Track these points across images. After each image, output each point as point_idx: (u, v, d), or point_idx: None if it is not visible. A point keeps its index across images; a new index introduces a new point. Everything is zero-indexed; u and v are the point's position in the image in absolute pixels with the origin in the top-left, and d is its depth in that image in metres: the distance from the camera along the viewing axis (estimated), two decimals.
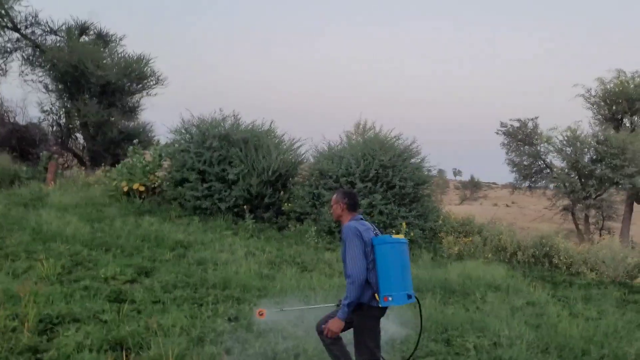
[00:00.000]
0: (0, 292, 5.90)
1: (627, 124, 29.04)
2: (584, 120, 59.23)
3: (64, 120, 22.65)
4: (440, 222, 13.97)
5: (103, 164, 19.05)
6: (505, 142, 29.91)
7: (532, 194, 31.71)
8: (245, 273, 8.92)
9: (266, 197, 14.63)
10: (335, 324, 4.08)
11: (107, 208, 14.37)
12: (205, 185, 14.71)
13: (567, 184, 23.98)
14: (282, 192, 14.88)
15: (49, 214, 12.13)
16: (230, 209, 14.64)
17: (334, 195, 4.55)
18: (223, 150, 14.97)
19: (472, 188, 79.48)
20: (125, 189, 15.63)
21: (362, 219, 4.42)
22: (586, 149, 24.19)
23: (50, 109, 22.35)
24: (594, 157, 24.16)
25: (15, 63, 21.97)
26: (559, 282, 11.68)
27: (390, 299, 3.97)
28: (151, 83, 21.29)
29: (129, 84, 20.67)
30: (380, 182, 13.71)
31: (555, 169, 25.43)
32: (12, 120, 19.92)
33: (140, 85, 21.10)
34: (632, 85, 28.31)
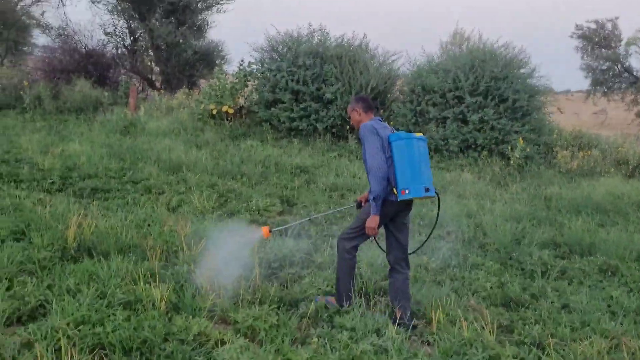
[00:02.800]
0: (192, 233, 5.56)
1: None
2: None
3: (129, 42, 21.99)
4: (555, 136, 13.21)
5: (184, 86, 18.55)
6: (580, 45, 28.28)
7: (595, 99, 29.54)
8: None
9: None
10: (371, 221, 4.13)
11: (201, 133, 14.03)
12: (300, 105, 14.14)
13: None
14: (382, 110, 14.21)
15: (158, 142, 11.86)
16: (328, 130, 14.13)
17: (349, 106, 4.60)
18: (317, 68, 14.26)
19: None
20: (214, 111, 15.20)
21: (380, 120, 4.46)
22: None
23: (114, 30, 21.66)
24: None
25: None
26: None
27: (407, 191, 4.05)
28: None
29: (198, 0, 19.71)
30: (491, 95, 12.90)
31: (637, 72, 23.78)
32: (84, 45, 19.36)
33: (210, 1, 20.11)
34: None
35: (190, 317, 3.58)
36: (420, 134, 4.33)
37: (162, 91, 18.10)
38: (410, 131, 13.66)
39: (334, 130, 14.15)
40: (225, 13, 20.42)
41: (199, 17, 20.35)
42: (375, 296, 4.66)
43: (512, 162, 12.26)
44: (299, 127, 14.10)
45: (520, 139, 12.36)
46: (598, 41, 27.79)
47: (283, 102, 14.36)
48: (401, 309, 4.17)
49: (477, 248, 6.60)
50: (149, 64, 21.90)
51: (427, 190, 4.15)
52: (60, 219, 5.50)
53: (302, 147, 13.26)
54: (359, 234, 4.32)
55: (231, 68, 20.35)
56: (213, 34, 24.49)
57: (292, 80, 14.22)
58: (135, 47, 21.72)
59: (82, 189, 7.77)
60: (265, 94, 14.64)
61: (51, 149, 10.39)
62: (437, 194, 4.40)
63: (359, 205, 4.73)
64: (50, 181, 8.03)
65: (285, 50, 14.96)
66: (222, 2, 20.25)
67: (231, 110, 15.20)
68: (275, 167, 10.70)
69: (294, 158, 11.50)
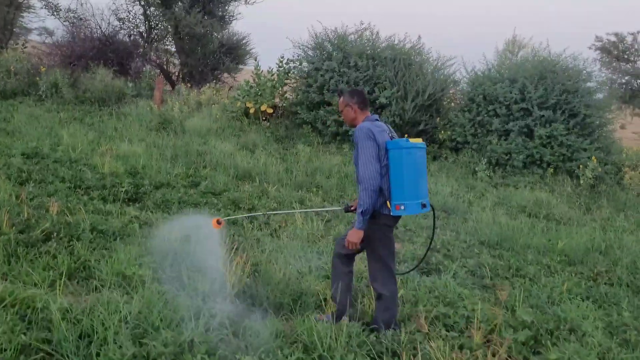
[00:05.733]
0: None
1: None
2: None
3: (143, 29, 20.71)
4: (624, 155, 12.51)
5: (214, 81, 17.44)
6: (599, 58, 27.86)
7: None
8: (506, 226, 7.64)
9: (421, 123, 13.14)
10: (353, 235, 3.70)
11: (242, 133, 13.01)
12: None
13: None
14: (438, 119, 13.35)
15: (208, 144, 10.85)
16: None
17: (341, 99, 4.05)
18: (369, 70, 13.32)
19: None
20: (252, 110, 14.17)
21: (377, 119, 3.97)
22: None
23: (127, 16, 20.36)
24: None
25: None
26: None
27: (402, 207, 3.66)
28: None
29: None
30: (561, 109, 12.14)
31: None
32: (102, 30, 18.02)
33: None
34: None
35: None
36: (420, 141, 3.84)
37: (188, 85, 16.92)
38: (467, 142, 12.90)
39: None
40: (253, 5, 19.27)
41: (226, 8, 19.19)
42: None
43: (582, 182, 11.53)
44: (349, 132, 13.15)
45: (594, 158, 11.63)
46: (617, 54, 27.44)
47: (330, 105, 13.41)
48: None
49: None
50: (166, 54, 20.66)
51: (423, 206, 3.74)
52: None
53: (353, 153, 12.34)
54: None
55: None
56: (237, 27, 23.26)
57: (342, 82, 13.28)
58: (152, 36, 20.49)
59: (165, 202, 6.72)
60: (312, 94, 13.66)
61: (100, 148, 9.29)
62: (433, 208, 3.99)
63: (347, 209, 4.27)
64: (122, 189, 6.97)
65: (332, 49, 14.00)
66: None
67: (270, 110, 14.21)
68: (347, 178, 9.78)
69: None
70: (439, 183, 10.15)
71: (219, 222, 4.11)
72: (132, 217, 5.63)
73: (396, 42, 14.09)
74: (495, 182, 11.58)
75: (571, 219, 9.12)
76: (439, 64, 13.90)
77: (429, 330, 3.85)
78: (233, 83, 19.17)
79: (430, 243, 4.52)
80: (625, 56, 27.23)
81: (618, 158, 12.40)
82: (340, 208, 4.75)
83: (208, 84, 16.76)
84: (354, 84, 13.25)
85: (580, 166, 11.73)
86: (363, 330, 3.58)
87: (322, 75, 13.51)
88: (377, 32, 14.26)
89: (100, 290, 3.62)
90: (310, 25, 18.58)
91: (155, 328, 3.11)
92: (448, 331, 3.87)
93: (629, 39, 27.19)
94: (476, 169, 11.91)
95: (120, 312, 3.07)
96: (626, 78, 26.96)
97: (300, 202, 7.74)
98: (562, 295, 5.33)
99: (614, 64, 27.60)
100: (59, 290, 3.41)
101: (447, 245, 6.61)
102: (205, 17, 18.09)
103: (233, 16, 19.47)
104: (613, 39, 27.50)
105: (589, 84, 12.78)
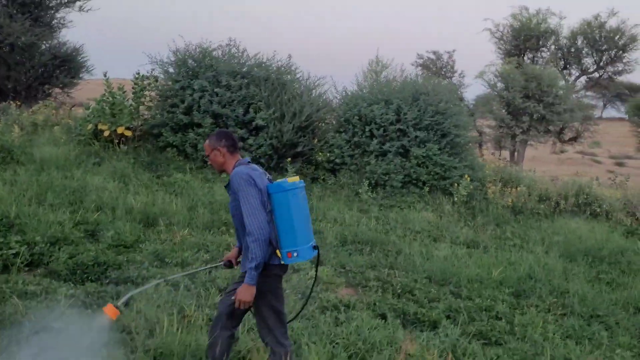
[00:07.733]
0: None
1: (527, 60, 30.61)
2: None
3: None
4: (487, 171, 13.35)
5: (45, 97, 15.12)
6: (420, 73, 30.00)
7: None
8: (441, 258, 7.51)
9: (299, 145, 12.69)
10: (246, 293, 3.37)
11: (104, 161, 11.41)
12: None
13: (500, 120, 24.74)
14: (316, 140, 13.01)
15: (80, 179, 9.23)
16: (256, 160, 12.50)
17: (206, 142, 3.73)
18: (242, 90, 12.55)
19: None
20: (107, 133, 12.52)
21: (249, 162, 3.72)
22: (518, 87, 24.84)
23: None
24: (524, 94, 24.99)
25: None
26: (627, 232, 11.85)
27: (295, 254, 3.45)
28: None
29: None
30: (433, 130, 12.59)
31: (493, 106, 25.67)
32: None
33: None
34: (534, 22, 29.75)
35: None
36: (298, 179, 3.61)
37: (18, 102, 14.43)
38: (345, 163, 12.78)
39: (261, 160, 12.54)
40: (88, 12, 17.09)
41: (56, 15, 16.82)
42: None
43: (456, 199, 12.06)
44: None
45: (467, 175, 12.22)
46: (436, 71, 29.84)
47: (201, 126, 12.38)
48: None
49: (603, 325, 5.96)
50: None
51: (315, 248, 3.57)
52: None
53: None
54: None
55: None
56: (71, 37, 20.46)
57: (215, 102, 12.33)
58: None
59: (78, 266, 5.38)
60: (178, 115, 12.47)
61: None
62: (318, 249, 3.67)
63: (229, 265, 3.88)
64: (12, 252, 5.47)
65: (197, 66, 12.94)
66: None
67: (129, 133, 12.69)
68: None
69: None
70: (343, 211, 9.81)
71: (116, 307, 3.42)
72: (63, 297, 4.34)
73: (265, 60, 13.50)
74: (380, 203, 11.57)
75: (474, 241, 9.36)
76: (311, 84, 13.62)
77: None
78: (67, 100, 16.93)
79: (314, 283, 4.16)
80: (443, 72, 29.71)
81: (482, 174, 13.20)
82: (218, 264, 4.08)
83: (41, 102, 14.48)
84: (228, 104, 12.39)
85: (454, 184, 12.25)
86: None
87: (190, 95, 12.41)
88: (245, 50, 13.53)
89: None
90: (173, 39, 16.49)
91: None
92: None
93: (445, 56, 29.82)
94: (359, 190, 11.80)
95: None
96: None
97: (228, 249, 6.81)
98: (545, 335, 5.27)
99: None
100: None
101: (406, 287, 6.25)
102: (31, 25, 15.68)
103: (64, 24, 17.16)
104: (432, 56, 29.95)
105: (453, 106, 13.45)
